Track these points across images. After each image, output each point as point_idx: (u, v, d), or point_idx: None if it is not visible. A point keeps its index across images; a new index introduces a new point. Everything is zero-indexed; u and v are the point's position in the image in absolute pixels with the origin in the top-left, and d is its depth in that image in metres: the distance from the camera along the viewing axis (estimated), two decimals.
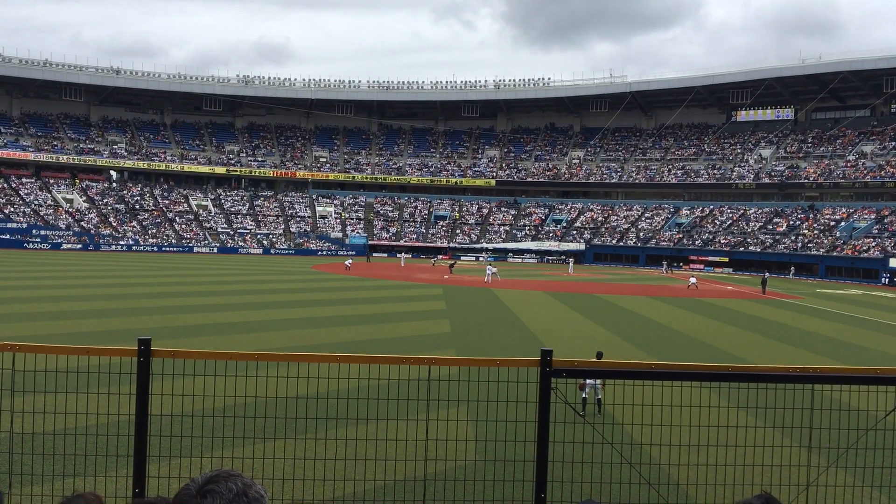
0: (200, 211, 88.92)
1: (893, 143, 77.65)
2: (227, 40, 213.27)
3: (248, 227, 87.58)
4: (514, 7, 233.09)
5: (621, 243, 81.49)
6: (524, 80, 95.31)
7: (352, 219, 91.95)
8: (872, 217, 71.16)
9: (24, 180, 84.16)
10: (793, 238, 71.82)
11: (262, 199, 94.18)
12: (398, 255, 74.48)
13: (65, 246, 74.03)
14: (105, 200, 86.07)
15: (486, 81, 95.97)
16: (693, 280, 47.85)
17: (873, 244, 65.42)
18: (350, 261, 59.07)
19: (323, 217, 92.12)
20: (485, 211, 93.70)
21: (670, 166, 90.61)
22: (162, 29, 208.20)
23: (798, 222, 75.14)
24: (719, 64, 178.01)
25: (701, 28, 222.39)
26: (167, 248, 78.33)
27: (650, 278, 59.59)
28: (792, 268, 66.92)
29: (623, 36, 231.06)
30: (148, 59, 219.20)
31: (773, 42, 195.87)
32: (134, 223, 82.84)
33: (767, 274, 51.58)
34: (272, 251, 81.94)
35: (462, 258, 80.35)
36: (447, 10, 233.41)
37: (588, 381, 12.11)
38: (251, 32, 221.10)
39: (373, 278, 47.79)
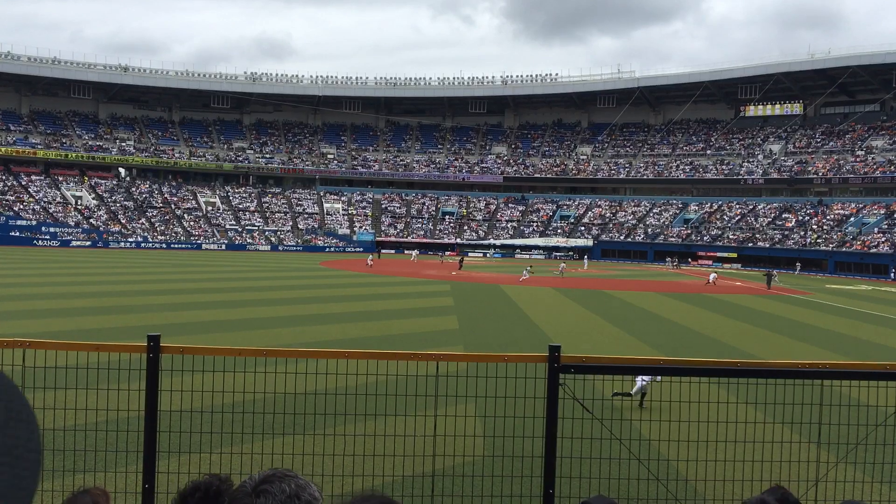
0: (209, 208, 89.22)
1: None
2: (229, 37, 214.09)
3: (256, 224, 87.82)
4: (513, 2, 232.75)
5: (629, 239, 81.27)
6: (531, 75, 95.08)
7: (359, 215, 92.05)
8: (882, 212, 70.71)
9: (33, 177, 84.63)
10: (802, 234, 71.46)
11: (269, 195, 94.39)
12: (405, 252, 74.58)
13: (74, 243, 74.38)
14: (114, 197, 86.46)
15: (493, 77, 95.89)
16: (713, 276, 47.93)
17: (882, 239, 65.03)
18: (371, 258, 59.21)
19: (330, 214, 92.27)
20: (492, 207, 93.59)
21: (678, 162, 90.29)
22: (163, 25, 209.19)
23: (807, 218, 74.75)
24: (723, 58, 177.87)
25: (702, 22, 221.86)
26: (176, 245, 78.65)
27: (658, 274, 59.45)
28: (798, 264, 66.52)
29: (623, 30, 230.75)
30: (149, 56, 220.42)
31: (777, 36, 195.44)
32: (143, 220, 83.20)
33: (774, 271, 51.38)
34: (280, 248, 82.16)
35: (469, 254, 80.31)
36: (445, 6, 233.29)
37: (638, 381, 11.44)
38: (252, 28, 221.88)
39: (380, 275, 47.86)
